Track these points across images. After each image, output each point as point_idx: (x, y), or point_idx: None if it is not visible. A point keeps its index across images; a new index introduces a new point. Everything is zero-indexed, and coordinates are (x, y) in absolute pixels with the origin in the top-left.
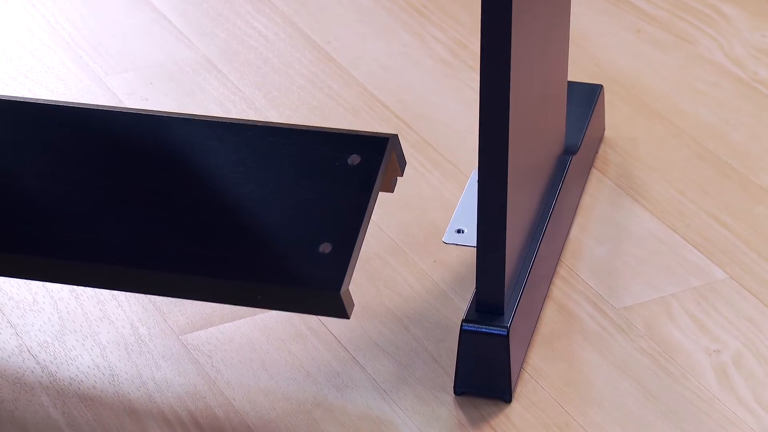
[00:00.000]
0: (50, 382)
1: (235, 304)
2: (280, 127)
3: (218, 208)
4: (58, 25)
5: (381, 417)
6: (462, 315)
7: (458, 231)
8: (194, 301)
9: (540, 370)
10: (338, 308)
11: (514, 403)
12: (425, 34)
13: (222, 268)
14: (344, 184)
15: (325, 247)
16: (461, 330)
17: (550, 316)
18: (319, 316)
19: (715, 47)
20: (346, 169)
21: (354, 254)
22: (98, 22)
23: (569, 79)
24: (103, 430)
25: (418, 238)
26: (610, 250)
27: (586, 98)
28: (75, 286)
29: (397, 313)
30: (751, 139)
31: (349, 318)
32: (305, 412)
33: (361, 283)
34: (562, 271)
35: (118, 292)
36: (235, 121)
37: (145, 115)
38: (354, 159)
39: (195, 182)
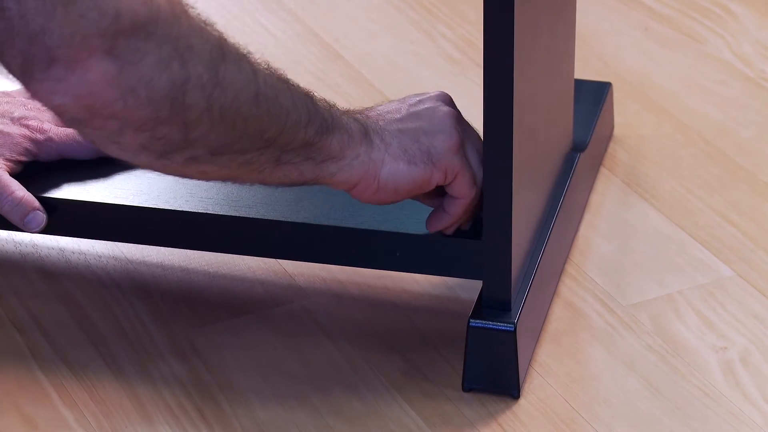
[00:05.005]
0: (58, 378)
1: (369, 266)
2: None
3: None
4: None
5: (389, 413)
6: (469, 311)
7: None
8: (203, 297)
9: (547, 367)
10: (478, 263)
11: (522, 400)
12: (433, 31)
13: (362, 221)
14: None
15: None
16: (468, 326)
17: (557, 312)
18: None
19: (723, 45)
20: None
21: None
22: None
23: (577, 76)
24: (111, 426)
25: None
26: (618, 248)
27: (594, 96)
28: (80, 283)
29: (404, 310)
30: (759, 137)
31: (483, 279)
32: (313, 408)
33: (366, 280)
34: (569, 268)
35: (125, 287)
36: None
37: None
38: None
39: None
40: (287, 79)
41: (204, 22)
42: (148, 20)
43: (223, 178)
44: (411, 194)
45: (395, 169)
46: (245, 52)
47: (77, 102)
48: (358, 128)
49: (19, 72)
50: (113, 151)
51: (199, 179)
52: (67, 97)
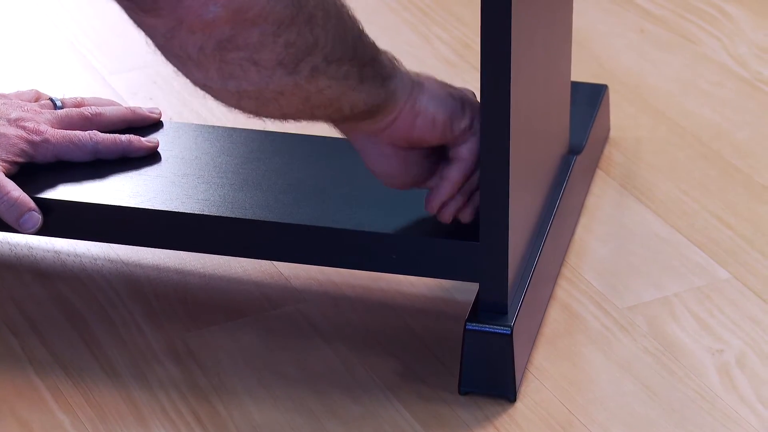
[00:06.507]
0: (53, 381)
1: (365, 269)
2: None
3: (363, 187)
4: (63, 25)
5: (385, 416)
6: (465, 313)
7: None
8: (199, 299)
9: (543, 370)
10: (475, 266)
11: (518, 403)
12: (429, 33)
13: (358, 223)
14: None
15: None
16: (465, 329)
17: (553, 315)
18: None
19: (719, 47)
20: None
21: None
22: (102, 22)
23: (573, 79)
24: (107, 429)
25: None
26: (614, 250)
27: (590, 98)
28: (83, 283)
29: (400, 313)
30: (755, 139)
31: (480, 282)
32: (309, 411)
33: (362, 282)
34: (565, 270)
35: (120, 289)
36: None
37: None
38: None
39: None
40: None
41: None
42: None
43: (331, 102)
44: (443, 133)
45: (434, 93)
46: None
47: (228, 6)
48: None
49: None
50: (252, 79)
51: (311, 110)
52: (218, 5)
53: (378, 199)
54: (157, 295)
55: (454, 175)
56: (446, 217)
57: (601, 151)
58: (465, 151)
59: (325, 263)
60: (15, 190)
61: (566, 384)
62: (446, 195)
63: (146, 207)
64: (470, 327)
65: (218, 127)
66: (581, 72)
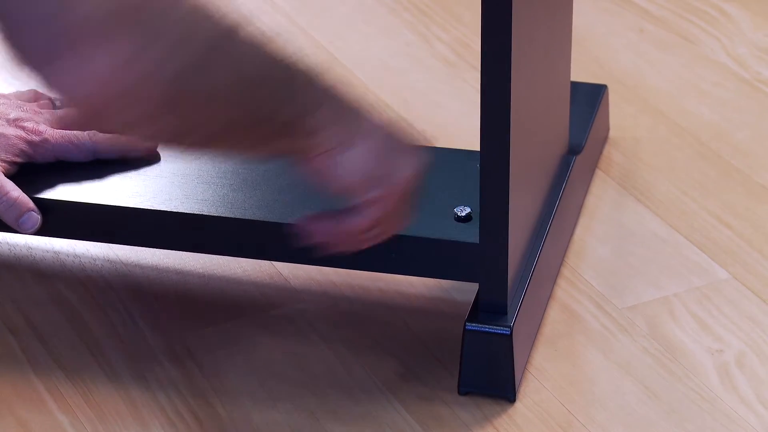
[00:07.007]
0: (53, 382)
1: (364, 269)
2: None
3: None
4: None
5: (384, 417)
6: (464, 313)
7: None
8: (198, 299)
9: (543, 370)
10: (474, 266)
11: (518, 403)
12: (428, 33)
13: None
14: None
15: (463, 210)
16: (464, 330)
17: (552, 315)
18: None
19: (718, 47)
20: None
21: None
22: None
23: (572, 79)
24: (106, 430)
25: None
26: (614, 250)
27: (590, 98)
28: (82, 283)
29: (399, 313)
30: (754, 139)
31: (479, 282)
32: (308, 411)
33: (361, 282)
34: (565, 270)
35: (120, 289)
36: None
37: None
38: None
39: None
40: None
41: None
42: None
43: None
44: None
45: (357, 158)
46: None
47: None
48: None
49: None
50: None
51: None
52: None
53: None
54: (156, 296)
55: (350, 222)
56: (296, 230)
57: (601, 152)
58: (364, 215)
59: (324, 263)
60: (14, 191)
61: (566, 384)
62: (322, 230)
63: (146, 207)
64: (470, 327)
65: None
66: (580, 72)
